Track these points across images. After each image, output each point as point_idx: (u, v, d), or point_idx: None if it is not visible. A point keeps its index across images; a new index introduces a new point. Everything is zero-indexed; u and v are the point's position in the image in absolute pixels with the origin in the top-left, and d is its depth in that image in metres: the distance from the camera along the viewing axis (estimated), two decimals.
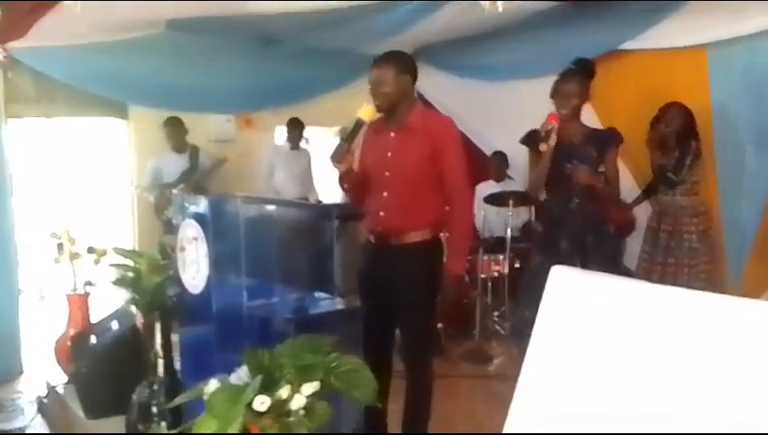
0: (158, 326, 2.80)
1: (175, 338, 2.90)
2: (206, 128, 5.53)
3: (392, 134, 2.70)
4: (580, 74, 3.18)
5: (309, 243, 2.52)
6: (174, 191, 3.95)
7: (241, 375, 2.05)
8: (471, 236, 2.84)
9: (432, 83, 5.75)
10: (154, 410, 2.75)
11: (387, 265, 2.69)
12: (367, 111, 2.59)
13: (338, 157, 2.58)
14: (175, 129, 5.06)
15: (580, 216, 3.14)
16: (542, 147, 3.05)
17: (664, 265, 3.96)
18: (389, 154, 2.69)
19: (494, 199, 4.55)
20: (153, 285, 2.72)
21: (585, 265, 3.06)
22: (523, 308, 3.77)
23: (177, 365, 2.87)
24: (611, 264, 3.11)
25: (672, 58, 4.24)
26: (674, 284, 3.85)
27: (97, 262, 3.62)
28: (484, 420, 3.43)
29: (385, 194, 2.68)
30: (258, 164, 5.68)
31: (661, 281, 3.91)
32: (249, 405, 1.85)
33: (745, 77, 3.99)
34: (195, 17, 4.20)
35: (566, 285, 1.19)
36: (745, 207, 4.04)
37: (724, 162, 4.14)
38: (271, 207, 2.71)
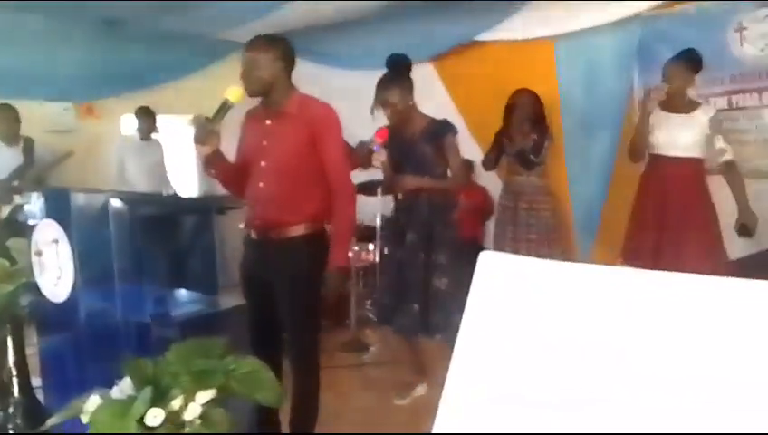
0: (9, 341, 2.49)
1: (29, 353, 2.59)
2: (42, 117, 4.96)
3: (268, 122, 2.56)
4: (401, 81, 3.22)
5: (187, 239, 2.35)
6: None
7: (123, 388, 1.87)
8: (353, 228, 2.76)
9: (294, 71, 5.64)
10: None
11: (267, 260, 2.56)
12: (235, 92, 2.44)
13: (201, 138, 2.42)
14: (5, 118, 4.49)
15: (426, 206, 3.22)
16: (375, 163, 3.12)
17: (527, 242, 4.22)
18: (265, 143, 2.56)
19: (362, 189, 4.56)
20: (3, 296, 2.40)
21: (430, 253, 3.19)
22: (381, 296, 3.81)
23: (35, 383, 2.56)
24: (458, 249, 3.19)
25: (523, 49, 4.51)
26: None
27: None
28: (367, 405, 3.47)
29: (261, 185, 2.54)
30: (102, 156, 5.22)
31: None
32: (139, 421, 1.70)
33: (586, 67, 4.35)
34: None
35: (494, 270, 1.19)
36: (592, 187, 4.42)
37: (570, 146, 4.50)
38: (142, 203, 2.49)
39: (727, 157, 3.30)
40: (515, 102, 4.25)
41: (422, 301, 3.18)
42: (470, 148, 4.81)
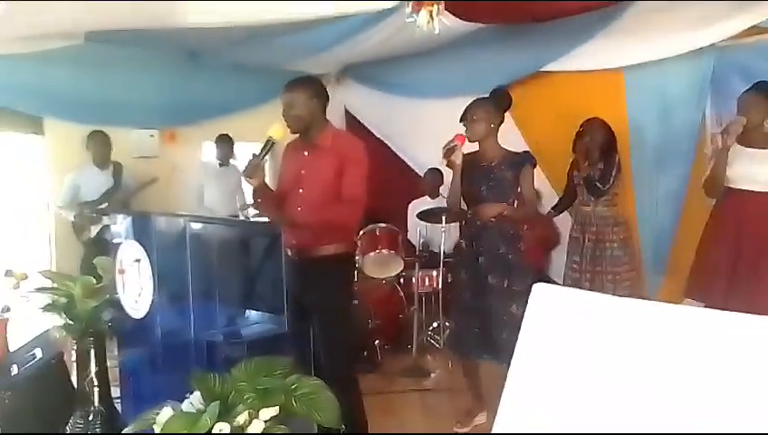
0: (92, 353, 2.67)
1: (110, 365, 2.76)
2: (128, 143, 5.29)
3: (306, 153, 2.85)
4: (489, 102, 3.32)
5: (257, 262, 2.47)
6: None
7: (194, 402, 1.98)
8: (323, 228, 2.75)
9: (360, 100, 5.80)
10: None
11: (302, 278, 2.71)
12: (277, 130, 2.71)
13: (249, 172, 2.70)
14: (100, 144, 4.82)
15: (496, 233, 3.25)
16: (447, 162, 3.22)
17: (592, 274, 4.16)
18: (303, 172, 2.84)
19: (426, 215, 4.61)
20: (88, 311, 2.59)
21: (503, 280, 3.21)
22: (452, 322, 3.84)
23: (114, 394, 2.73)
24: (524, 277, 3.18)
25: (591, 79, 4.49)
26: (601, 291, 4.05)
27: (16, 287, 3.39)
28: (427, 432, 3.48)
29: (299, 209, 2.80)
30: (184, 182, 5.50)
31: (590, 289, 4.11)
32: (207, 433, 1.80)
33: (658, 98, 4.28)
34: (117, 29, 4.05)
35: (547, 302, 1.22)
36: (661, 220, 4.31)
37: (639, 176, 4.43)
38: (216, 227, 2.63)
39: None
40: (585, 130, 4.23)
41: (492, 327, 3.20)
42: (539, 180, 4.81)
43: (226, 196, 5.48)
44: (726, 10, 3.62)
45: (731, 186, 3.33)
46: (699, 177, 4.08)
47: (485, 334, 3.21)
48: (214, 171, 5.56)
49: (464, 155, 3.30)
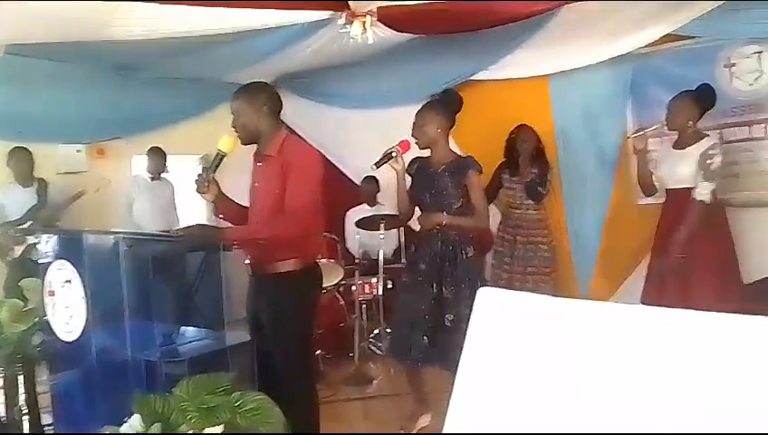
0: (21, 379, 2.55)
1: (40, 391, 2.65)
2: (55, 159, 5.09)
3: (259, 164, 2.74)
4: (437, 106, 3.31)
5: (195, 276, 2.43)
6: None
7: (134, 424, 1.93)
8: (270, 244, 2.65)
9: (295, 110, 5.78)
10: None
11: (261, 295, 2.69)
12: (226, 142, 2.61)
13: (199, 187, 2.62)
14: (21, 160, 4.62)
15: (440, 241, 3.24)
16: (394, 165, 3.18)
17: (523, 275, 4.30)
18: (256, 184, 2.74)
19: (365, 223, 4.65)
20: (16, 335, 2.48)
21: (443, 286, 3.20)
22: (392, 327, 3.86)
23: (46, 421, 2.62)
24: (474, 282, 3.17)
25: (519, 87, 4.64)
26: (533, 292, 4.19)
27: None
28: None
29: (257, 223, 2.69)
30: (114, 196, 5.33)
31: (521, 289, 4.24)
32: None
33: (581, 104, 4.47)
34: (41, 42, 3.90)
35: (493, 306, 1.23)
36: (589, 221, 4.49)
37: (567, 180, 4.60)
38: (151, 242, 2.58)
39: (703, 197, 3.29)
40: (516, 137, 4.37)
41: (436, 333, 3.21)
42: None
43: (158, 210, 5.33)
44: (642, 19, 3.82)
45: (669, 187, 3.49)
46: (623, 180, 4.28)
47: (430, 340, 3.23)
48: (145, 185, 5.41)
49: (419, 160, 3.33)
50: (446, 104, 3.34)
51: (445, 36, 4.49)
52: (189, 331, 2.53)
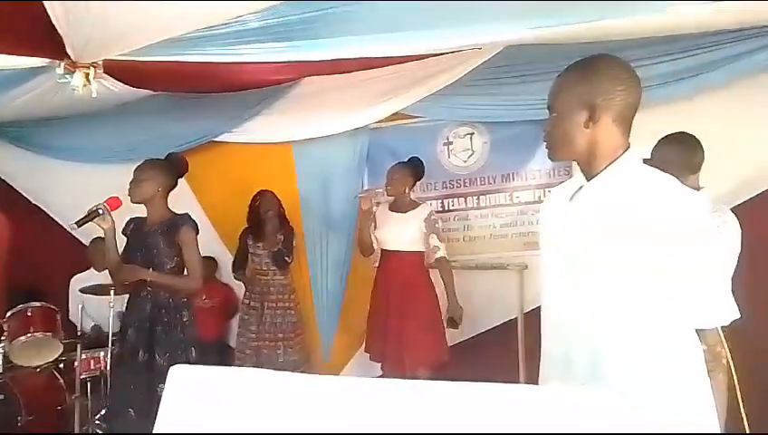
0: None
1: None
2: None
3: None
4: (159, 165, 3.18)
5: None
6: None
7: None
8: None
9: (13, 163, 5.14)
10: None
11: None
12: None
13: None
14: None
15: (149, 303, 3.06)
16: (100, 223, 2.99)
17: (273, 341, 4.27)
18: None
19: (91, 289, 4.18)
20: None
21: (152, 354, 3.00)
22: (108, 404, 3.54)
23: None
24: (183, 351, 3.03)
25: (263, 150, 4.69)
26: (281, 357, 4.18)
27: None
28: None
29: None
30: None
31: (269, 356, 4.19)
32: None
33: (323, 170, 4.65)
34: None
35: (187, 384, 1.17)
36: (332, 283, 4.63)
37: (311, 244, 4.71)
38: None
39: (439, 254, 3.71)
40: (259, 204, 4.37)
41: (145, 405, 2.92)
42: (216, 247, 4.77)
43: None
44: (377, 96, 4.15)
45: (384, 248, 3.77)
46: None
47: (137, 414, 2.94)
48: None
49: (135, 220, 3.16)
50: (170, 164, 3.24)
51: (191, 95, 4.39)
52: None
